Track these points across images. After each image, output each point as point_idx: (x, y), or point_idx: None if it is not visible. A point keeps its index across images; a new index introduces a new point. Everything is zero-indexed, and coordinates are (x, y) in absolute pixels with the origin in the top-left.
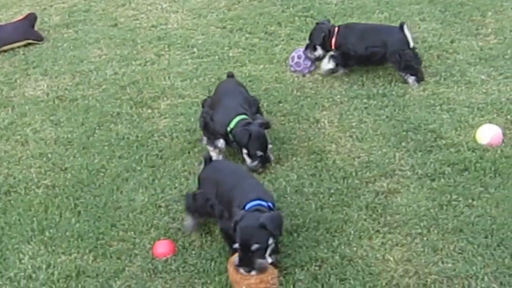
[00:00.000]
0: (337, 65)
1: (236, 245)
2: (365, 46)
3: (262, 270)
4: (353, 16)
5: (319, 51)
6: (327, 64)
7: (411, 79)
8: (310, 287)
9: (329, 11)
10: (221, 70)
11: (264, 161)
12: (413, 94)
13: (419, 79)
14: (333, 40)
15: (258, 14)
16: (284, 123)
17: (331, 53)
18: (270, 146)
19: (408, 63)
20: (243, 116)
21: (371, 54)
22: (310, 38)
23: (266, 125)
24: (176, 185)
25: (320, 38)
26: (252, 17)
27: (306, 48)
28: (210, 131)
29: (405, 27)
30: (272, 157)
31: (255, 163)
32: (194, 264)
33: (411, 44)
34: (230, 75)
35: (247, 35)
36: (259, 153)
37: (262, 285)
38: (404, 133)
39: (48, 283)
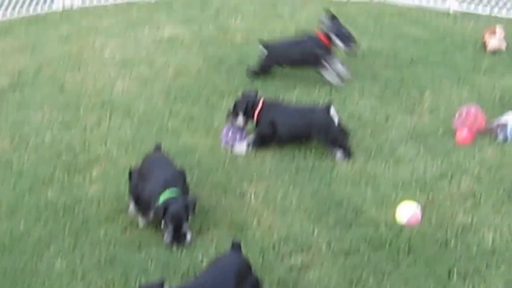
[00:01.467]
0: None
1: None
2: (288, 126)
3: None
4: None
5: (241, 119)
6: (242, 148)
7: (338, 155)
8: None
9: (274, 86)
10: (158, 139)
11: (179, 238)
12: (341, 170)
13: (347, 155)
14: (257, 111)
15: (203, 84)
16: (211, 194)
17: (250, 138)
18: (186, 224)
19: (335, 139)
20: (174, 189)
21: (294, 135)
22: (234, 106)
23: (191, 205)
24: (96, 253)
25: (243, 106)
26: (196, 88)
27: (229, 115)
28: (141, 203)
29: (331, 109)
30: (189, 236)
31: (169, 239)
32: None
33: (336, 123)
34: (158, 147)
35: (189, 105)
36: (172, 229)
37: None
38: (327, 208)
39: None
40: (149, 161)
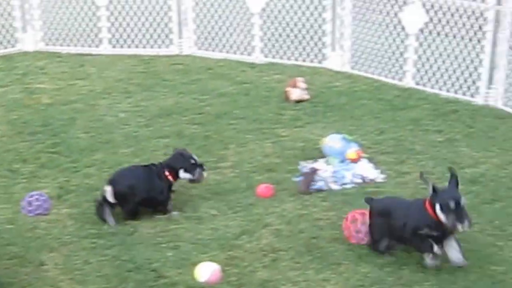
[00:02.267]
0: None
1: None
2: None
3: None
4: (100, 150)
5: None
6: None
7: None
8: None
9: (77, 145)
10: None
11: None
12: (142, 232)
13: None
14: None
15: (6, 150)
16: (8, 267)
17: None
18: None
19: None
20: None
21: None
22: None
23: None
24: None
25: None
26: None
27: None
28: None
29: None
30: None
31: None
32: None
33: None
34: None
35: None
36: None
37: None
38: (127, 273)
39: None
40: None
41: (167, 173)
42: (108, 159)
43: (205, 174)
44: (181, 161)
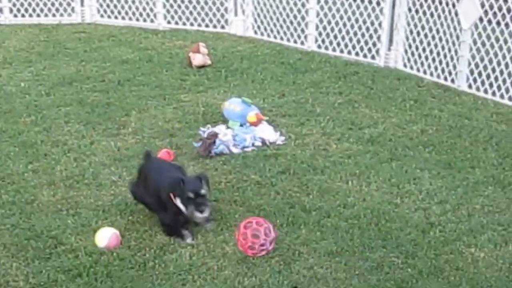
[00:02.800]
0: None
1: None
2: None
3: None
4: (1, 120)
5: None
6: None
7: None
8: None
9: None
10: None
11: None
12: (42, 201)
13: None
14: None
15: None
16: None
17: None
18: None
19: None
20: None
21: None
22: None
23: None
24: None
25: None
26: None
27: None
28: None
29: None
30: None
31: None
32: None
33: None
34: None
35: None
36: None
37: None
38: (26, 241)
39: None
40: None
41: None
42: (9, 128)
43: (199, 215)
44: (179, 189)
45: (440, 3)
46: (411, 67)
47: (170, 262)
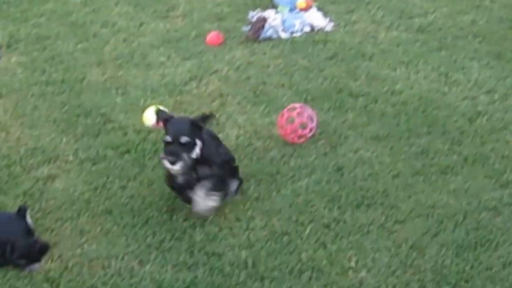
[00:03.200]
0: None
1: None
2: None
3: None
4: (51, 0)
5: None
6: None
7: None
8: None
9: None
10: None
11: None
12: (91, 80)
13: None
14: None
15: None
16: None
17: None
18: None
19: None
20: None
21: None
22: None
23: None
24: None
25: None
26: None
27: None
28: None
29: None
30: None
31: None
32: None
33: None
34: None
35: None
36: None
37: None
38: (75, 118)
39: None
40: None
41: None
42: (59, 9)
43: (168, 165)
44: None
45: None
46: None
47: None
